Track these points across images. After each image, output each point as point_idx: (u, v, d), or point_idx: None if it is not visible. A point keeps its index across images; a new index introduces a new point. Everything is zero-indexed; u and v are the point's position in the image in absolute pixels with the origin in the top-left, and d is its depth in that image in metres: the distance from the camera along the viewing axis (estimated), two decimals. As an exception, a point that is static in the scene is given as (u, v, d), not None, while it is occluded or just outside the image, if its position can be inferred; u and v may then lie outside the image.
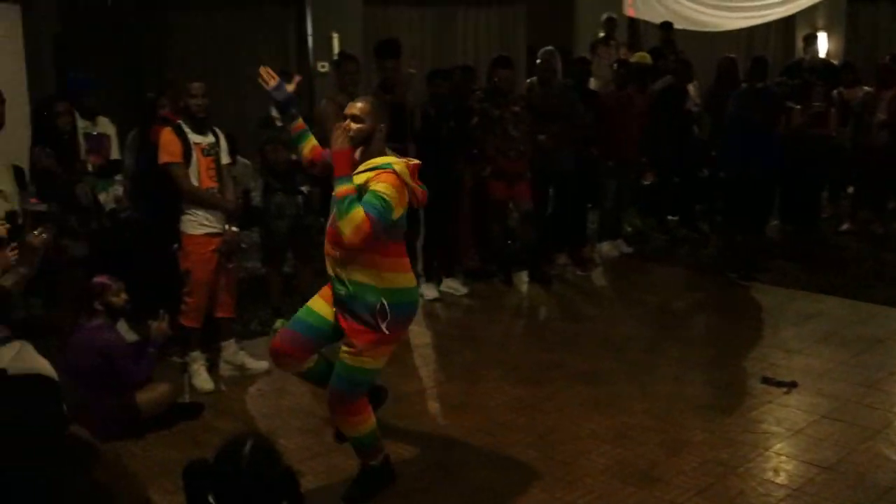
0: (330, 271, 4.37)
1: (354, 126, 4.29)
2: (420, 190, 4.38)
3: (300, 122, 4.78)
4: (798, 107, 10.19)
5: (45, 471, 1.82)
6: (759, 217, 8.79)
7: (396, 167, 4.22)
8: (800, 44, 14.92)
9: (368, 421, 4.50)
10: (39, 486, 1.72)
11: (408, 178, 4.27)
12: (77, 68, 11.05)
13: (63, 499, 1.71)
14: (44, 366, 1.97)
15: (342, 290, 4.30)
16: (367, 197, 4.11)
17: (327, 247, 4.37)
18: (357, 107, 4.34)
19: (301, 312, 4.62)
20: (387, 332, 4.28)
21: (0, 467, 1.95)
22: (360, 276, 4.26)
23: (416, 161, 4.43)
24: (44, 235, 3.87)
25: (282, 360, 4.65)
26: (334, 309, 4.44)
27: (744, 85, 9.03)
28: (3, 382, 1.88)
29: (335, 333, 4.48)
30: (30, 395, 1.95)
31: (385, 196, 4.12)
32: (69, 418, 4.83)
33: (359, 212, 4.05)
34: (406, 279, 4.41)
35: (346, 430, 4.52)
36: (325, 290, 4.54)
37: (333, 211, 4.24)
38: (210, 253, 6.02)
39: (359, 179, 4.20)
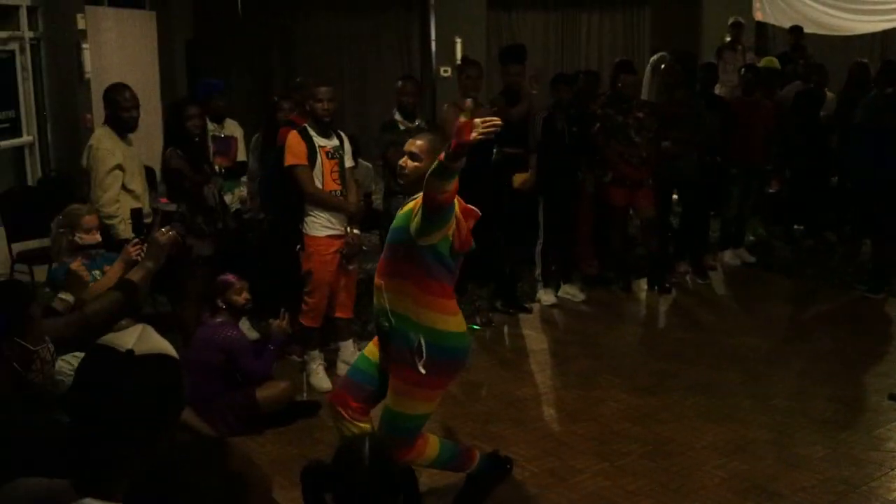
0: (375, 303, 4.22)
1: (410, 164, 4.13)
2: (467, 234, 4.09)
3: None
4: None
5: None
6: (890, 228, 8.47)
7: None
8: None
9: (426, 449, 4.33)
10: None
11: (459, 214, 4.03)
12: (208, 72, 11.43)
13: (203, 485, 1.78)
14: (166, 346, 2.07)
15: (385, 324, 4.15)
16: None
17: (376, 276, 4.25)
18: (416, 144, 4.16)
19: (357, 360, 4.53)
20: (423, 372, 4.06)
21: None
22: (401, 309, 4.09)
23: (474, 208, 4.19)
24: (171, 233, 4.01)
25: (338, 411, 4.38)
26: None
27: (874, 90, 8.73)
28: (130, 361, 1.96)
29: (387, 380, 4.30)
30: (156, 374, 2.03)
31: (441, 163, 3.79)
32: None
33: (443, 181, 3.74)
34: (451, 323, 4.20)
35: (417, 463, 4.23)
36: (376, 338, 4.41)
37: (388, 239, 4.22)
38: (332, 254, 6.13)
39: (411, 204, 4.05)
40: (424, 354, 4.06)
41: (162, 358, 2.11)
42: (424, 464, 4.39)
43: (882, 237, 8.34)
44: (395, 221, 4.18)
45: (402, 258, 4.08)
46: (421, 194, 3.87)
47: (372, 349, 4.40)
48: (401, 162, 4.20)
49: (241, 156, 7.52)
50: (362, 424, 4.31)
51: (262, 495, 1.92)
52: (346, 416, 4.32)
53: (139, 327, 2.14)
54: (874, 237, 8.52)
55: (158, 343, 2.13)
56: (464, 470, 4.56)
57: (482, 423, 5.56)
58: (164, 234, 3.98)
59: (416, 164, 4.10)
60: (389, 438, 4.06)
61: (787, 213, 10.29)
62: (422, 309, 4.08)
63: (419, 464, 4.30)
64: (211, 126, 7.19)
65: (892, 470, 4.91)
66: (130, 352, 2.04)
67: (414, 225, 3.92)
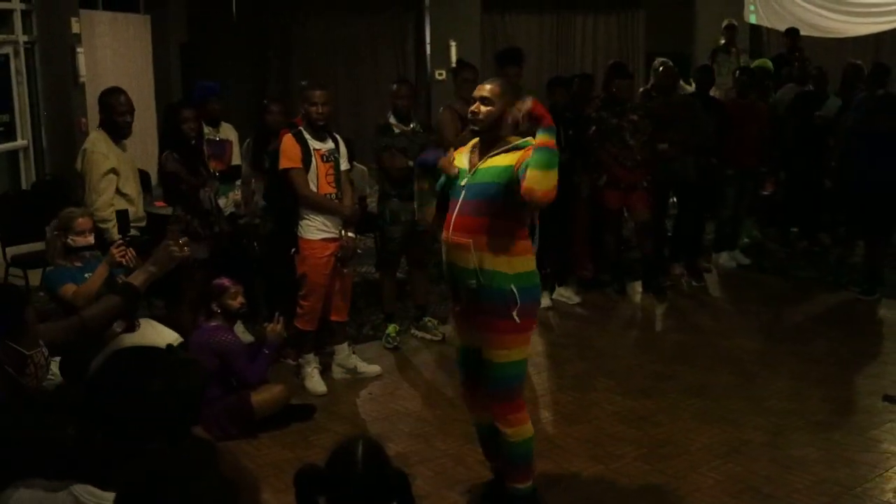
0: (458, 263, 4.22)
1: (484, 109, 4.18)
2: None
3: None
4: None
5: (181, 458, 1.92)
6: (884, 228, 8.50)
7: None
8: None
9: (528, 425, 4.39)
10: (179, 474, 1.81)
11: None
12: (202, 76, 11.43)
13: (197, 490, 1.79)
14: (174, 336, 2.11)
15: (473, 282, 4.17)
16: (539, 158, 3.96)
17: (455, 237, 4.21)
18: (486, 88, 4.21)
19: (458, 355, 4.63)
20: (518, 321, 4.18)
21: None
22: (492, 264, 4.15)
23: None
24: (186, 250, 3.94)
25: (471, 411, 4.69)
26: (468, 328, 4.41)
27: (865, 92, 8.75)
28: (163, 357, 2.00)
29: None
30: (187, 373, 2.06)
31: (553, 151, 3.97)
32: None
33: (555, 172, 3.94)
34: (531, 262, 4.32)
35: (514, 435, 4.33)
36: (454, 322, 4.61)
37: (458, 198, 4.22)
38: (327, 258, 6.13)
39: (506, 160, 4.10)
40: (519, 302, 4.16)
41: (193, 362, 2.13)
42: (526, 436, 4.36)
43: (875, 239, 8.37)
44: (480, 177, 4.18)
45: (497, 213, 4.13)
46: (510, 145, 4.11)
47: (458, 337, 4.60)
48: (473, 108, 4.23)
49: (236, 159, 7.52)
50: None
51: (251, 499, 1.94)
52: (479, 409, 4.56)
53: (144, 322, 2.18)
54: (867, 239, 8.53)
55: (166, 332, 2.18)
56: (526, 480, 4.46)
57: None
58: (181, 247, 3.92)
59: (489, 108, 4.16)
60: (509, 392, 4.28)
61: (781, 215, 10.31)
62: (516, 258, 4.20)
63: (519, 437, 4.33)
64: (206, 129, 7.18)
65: (886, 471, 4.92)
66: (169, 346, 2.07)
67: (531, 182, 3.93)
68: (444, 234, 4.31)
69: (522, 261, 4.23)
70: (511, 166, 4.08)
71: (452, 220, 4.25)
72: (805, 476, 4.87)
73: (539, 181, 3.92)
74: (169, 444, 2.07)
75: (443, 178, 4.44)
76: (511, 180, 4.07)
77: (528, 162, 3.97)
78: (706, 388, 6.15)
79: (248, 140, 7.37)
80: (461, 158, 4.37)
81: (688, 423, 5.60)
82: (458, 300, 4.38)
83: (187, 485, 1.79)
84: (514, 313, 4.16)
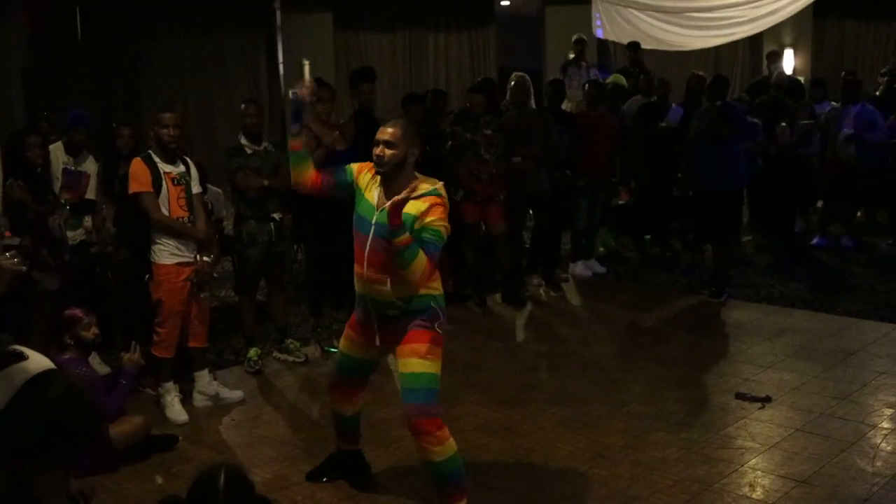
0: (377, 297, 4.39)
1: (388, 152, 4.29)
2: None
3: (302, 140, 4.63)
4: (783, 124, 10.35)
5: None
6: (728, 232, 8.83)
7: (442, 192, 4.34)
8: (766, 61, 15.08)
9: (451, 440, 4.42)
10: None
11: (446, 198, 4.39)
12: (46, 101, 11.03)
13: None
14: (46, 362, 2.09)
15: (393, 311, 4.37)
16: (426, 236, 4.20)
17: (370, 273, 4.35)
18: (388, 132, 4.32)
19: (340, 361, 4.86)
20: (439, 332, 4.43)
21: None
22: (410, 291, 4.31)
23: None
24: (15, 260, 3.75)
25: (336, 404, 4.92)
26: (367, 344, 4.59)
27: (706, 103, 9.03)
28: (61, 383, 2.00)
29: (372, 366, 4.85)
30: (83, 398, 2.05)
31: (440, 229, 4.24)
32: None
33: (422, 257, 4.15)
34: (440, 282, 4.55)
35: (435, 454, 4.36)
36: (348, 332, 4.72)
37: (368, 234, 4.31)
38: (182, 282, 5.99)
39: (410, 209, 4.18)
40: (441, 316, 4.44)
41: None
42: (450, 453, 4.37)
43: (719, 243, 8.69)
44: (384, 218, 4.21)
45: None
46: (428, 197, 4.26)
47: (347, 346, 4.73)
48: (377, 151, 4.31)
49: (91, 194, 7.23)
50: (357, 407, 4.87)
51: None
52: (347, 405, 4.85)
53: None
54: (714, 243, 8.86)
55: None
56: (461, 498, 4.47)
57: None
58: (8, 259, 3.73)
59: (393, 151, 4.28)
60: (427, 406, 4.36)
61: (634, 223, 10.60)
62: (431, 283, 4.37)
63: (445, 454, 4.36)
64: (65, 158, 6.99)
65: (742, 466, 5.09)
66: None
67: (430, 235, 4.22)
68: (357, 269, 4.42)
69: (436, 283, 4.47)
70: (416, 218, 4.21)
71: (366, 256, 4.36)
72: (666, 475, 5.00)
73: (411, 276, 4.19)
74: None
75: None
76: (413, 231, 4.19)
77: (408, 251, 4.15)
78: (568, 395, 6.25)
79: (97, 164, 7.17)
80: (371, 191, 4.41)
81: (552, 431, 5.67)
82: (370, 322, 4.51)
83: None
84: (437, 326, 4.41)
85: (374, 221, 4.33)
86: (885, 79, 11.89)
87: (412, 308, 4.37)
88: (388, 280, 4.31)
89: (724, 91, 9.02)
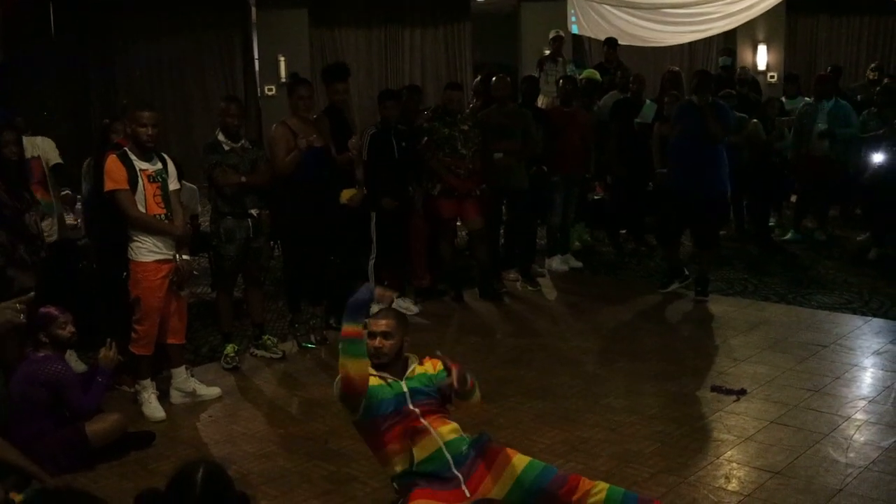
0: (445, 441, 4.24)
1: (387, 343, 4.36)
2: None
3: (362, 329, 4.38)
4: (755, 120, 10.42)
5: None
6: (717, 236, 8.85)
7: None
8: (747, 57, 15.22)
9: None
10: None
11: None
12: (19, 97, 10.94)
13: None
14: None
15: (465, 445, 4.27)
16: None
17: (433, 423, 4.27)
18: (383, 324, 4.39)
19: None
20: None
21: None
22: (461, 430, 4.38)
23: None
24: (19, 309, 3.71)
25: None
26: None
27: (691, 98, 8.63)
28: None
29: None
30: None
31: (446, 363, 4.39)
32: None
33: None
34: None
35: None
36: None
37: (403, 406, 4.27)
38: (160, 280, 5.97)
39: (428, 369, 4.45)
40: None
41: None
42: None
43: (709, 248, 8.61)
44: (425, 380, 4.40)
45: (441, 400, 4.42)
46: (424, 360, 4.52)
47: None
48: (375, 344, 4.34)
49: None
50: None
51: None
52: None
53: None
54: (703, 249, 8.66)
55: None
56: None
57: (322, 442, 5.52)
58: (10, 307, 3.69)
59: (391, 341, 4.37)
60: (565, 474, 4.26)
61: (609, 218, 10.66)
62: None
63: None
64: None
65: (717, 458, 5.13)
66: None
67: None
68: (416, 434, 4.24)
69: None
70: (434, 374, 4.43)
71: (419, 418, 4.27)
72: (643, 468, 5.03)
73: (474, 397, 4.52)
74: None
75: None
76: (440, 384, 4.36)
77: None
78: (545, 389, 6.29)
79: (88, 160, 7.13)
80: (373, 380, 4.35)
81: (529, 425, 5.70)
82: (452, 477, 4.21)
83: None
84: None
85: (406, 391, 4.31)
86: (875, 74, 12.16)
87: (468, 440, 4.31)
88: (449, 419, 4.36)
89: (709, 86, 8.52)
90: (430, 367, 4.48)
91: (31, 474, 4.82)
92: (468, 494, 4.17)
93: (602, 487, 4.17)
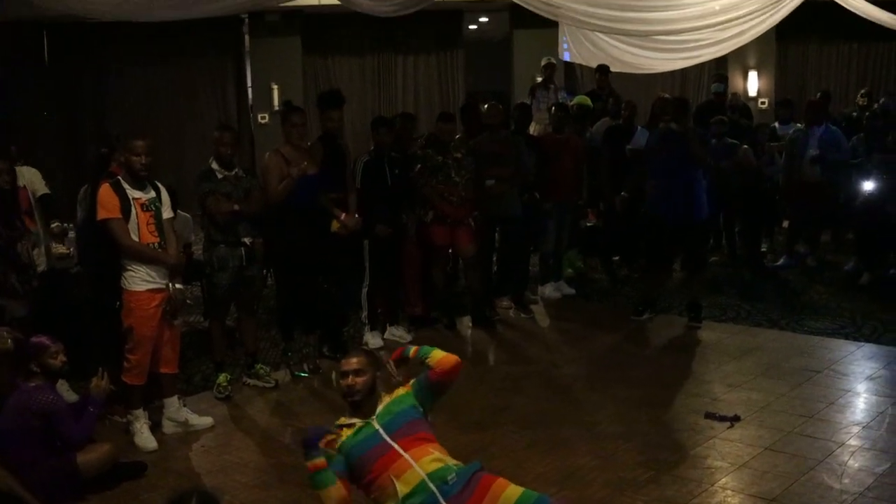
0: (439, 470, 4.16)
1: (360, 380, 4.38)
2: None
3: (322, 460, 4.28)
4: (745, 146, 10.47)
5: None
6: (704, 260, 8.87)
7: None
8: (738, 83, 15.26)
9: None
10: None
11: None
12: (11, 122, 10.92)
13: None
14: None
15: (451, 474, 4.15)
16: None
17: (415, 455, 4.20)
18: (353, 362, 4.44)
19: None
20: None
21: None
22: (447, 458, 4.29)
23: None
24: (7, 338, 3.72)
25: None
26: None
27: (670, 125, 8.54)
28: None
29: None
30: None
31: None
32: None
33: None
34: None
35: None
36: None
37: (382, 441, 4.24)
38: (153, 309, 5.96)
39: (399, 394, 4.49)
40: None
41: None
42: None
43: (697, 273, 8.67)
44: (390, 410, 4.38)
45: (426, 427, 4.44)
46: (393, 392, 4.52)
47: None
48: (347, 382, 4.38)
49: None
50: None
51: None
52: None
53: None
54: (692, 274, 8.84)
55: None
56: None
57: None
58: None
59: (363, 378, 4.40)
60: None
61: (602, 245, 10.67)
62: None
63: None
64: None
65: (712, 486, 5.12)
66: None
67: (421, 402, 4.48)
68: (400, 470, 4.19)
69: None
70: (407, 394, 4.48)
71: (398, 451, 4.21)
72: (637, 496, 5.02)
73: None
74: None
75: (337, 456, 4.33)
76: (417, 400, 4.46)
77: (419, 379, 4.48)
78: (539, 417, 6.28)
79: (85, 186, 7.13)
80: (349, 430, 4.36)
81: (522, 452, 5.69)
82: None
83: None
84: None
85: (378, 428, 4.29)
86: (864, 100, 12.24)
87: (459, 469, 4.21)
88: (436, 448, 4.30)
89: (686, 113, 8.74)
90: (402, 390, 4.50)
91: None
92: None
93: None
